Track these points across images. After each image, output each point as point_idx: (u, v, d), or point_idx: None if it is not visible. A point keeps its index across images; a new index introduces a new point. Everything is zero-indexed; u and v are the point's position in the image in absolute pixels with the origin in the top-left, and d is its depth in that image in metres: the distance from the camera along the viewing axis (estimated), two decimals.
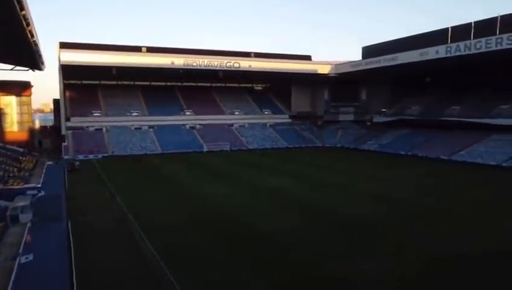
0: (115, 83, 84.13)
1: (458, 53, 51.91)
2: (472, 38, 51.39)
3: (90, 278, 16.61)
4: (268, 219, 25.80)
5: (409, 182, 40.24)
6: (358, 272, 16.93)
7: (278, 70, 71.54)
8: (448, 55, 53.12)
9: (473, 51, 50.05)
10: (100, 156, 62.39)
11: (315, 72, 75.32)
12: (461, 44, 51.65)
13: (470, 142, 57.56)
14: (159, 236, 22.13)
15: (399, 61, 61.06)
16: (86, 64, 59.50)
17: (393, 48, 64.16)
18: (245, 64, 69.85)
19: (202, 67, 66.80)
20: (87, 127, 70.99)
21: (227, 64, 68.36)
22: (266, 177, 42.19)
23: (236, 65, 68.91)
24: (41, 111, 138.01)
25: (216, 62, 67.59)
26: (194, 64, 66.13)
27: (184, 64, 65.58)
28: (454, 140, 60.35)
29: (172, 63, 64.98)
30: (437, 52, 54.72)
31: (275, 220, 25.68)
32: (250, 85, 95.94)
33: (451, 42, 54.30)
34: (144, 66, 62.66)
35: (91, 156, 61.77)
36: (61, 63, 59.05)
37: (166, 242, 21.22)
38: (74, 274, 16.31)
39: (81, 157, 60.72)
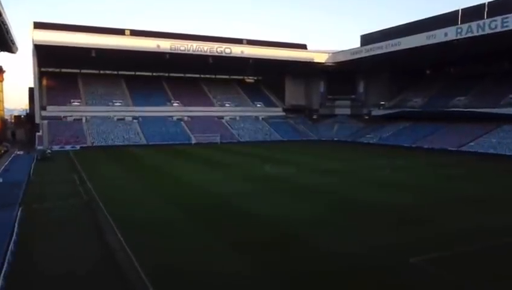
0: (97, 72, 78.65)
1: (470, 34, 47.70)
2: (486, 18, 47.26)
3: (29, 277, 11.71)
4: (270, 206, 21.06)
5: (424, 170, 35.80)
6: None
7: (272, 57, 66.66)
8: (459, 37, 48.93)
9: (487, 31, 45.88)
10: (78, 147, 56.96)
11: (311, 61, 70.67)
12: (473, 24, 47.47)
13: (479, 133, 53.57)
14: (127, 224, 17.30)
15: (403, 46, 56.76)
16: (62, 44, 53.90)
17: (397, 34, 59.84)
18: (237, 50, 64.91)
19: (191, 52, 61.56)
20: (65, 117, 65.27)
21: (218, 50, 63.32)
22: (261, 165, 37.33)
23: (227, 51, 63.92)
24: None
25: (206, 47, 62.49)
26: (182, 48, 60.91)
27: (171, 48, 60.32)
28: (461, 131, 56.28)
29: (158, 46, 59.70)
30: (446, 34, 50.53)
31: (281, 208, 20.95)
32: (241, 77, 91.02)
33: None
34: (126, 48, 57.16)
35: (68, 147, 56.37)
36: (35, 42, 53.39)
37: (135, 230, 16.36)
38: (4, 269, 11.51)
39: (56, 148, 55.42)
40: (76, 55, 61.61)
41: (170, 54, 60.73)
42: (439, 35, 51.18)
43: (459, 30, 48.94)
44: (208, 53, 62.78)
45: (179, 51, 60.97)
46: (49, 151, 44.75)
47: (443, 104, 63.08)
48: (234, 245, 14.78)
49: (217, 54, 63.31)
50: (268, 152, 50.24)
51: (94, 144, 58.90)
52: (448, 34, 50.17)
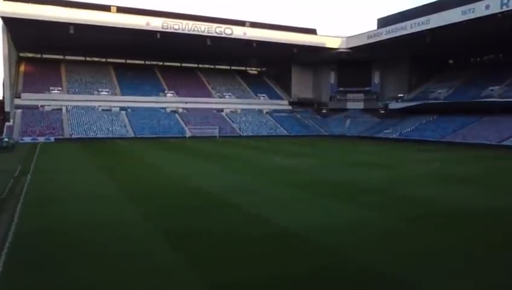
0: (83, 58, 70.71)
1: None
2: None
3: None
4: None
5: (478, 164, 27.63)
6: None
7: (278, 40, 58.42)
8: (505, 9, 40.80)
9: None
10: (52, 138, 49.10)
11: (322, 46, 62.40)
12: None
13: None
14: (34, 237, 9.26)
15: (432, 25, 48.62)
16: (35, 18, 45.85)
17: (420, 15, 51.63)
18: (239, 31, 56.73)
19: (186, 32, 53.38)
20: (42, 106, 57.26)
21: (217, 30, 55.13)
22: (268, 158, 29.19)
23: (228, 31, 55.73)
24: None
25: (203, 27, 54.31)
26: (176, 26, 52.74)
27: (163, 27, 52.17)
28: (499, 124, 48.21)
29: (148, 24, 51.50)
30: (487, 7, 42.42)
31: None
32: (243, 68, 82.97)
33: None
34: (110, 25, 48.97)
35: (41, 139, 48.50)
36: (2, 15, 45.35)
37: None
38: None
39: (28, 139, 47.78)
40: (56, 36, 53.48)
41: (162, 33, 52.57)
42: (479, 9, 43.06)
43: (504, 0, 40.80)
44: (206, 33, 54.59)
45: (172, 30, 52.81)
46: (6, 140, 36.79)
47: (473, 95, 55.02)
48: None
49: (216, 34, 55.14)
50: (285, 146, 42.15)
51: (72, 136, 50.98)
52: (491, 6, 42.06)
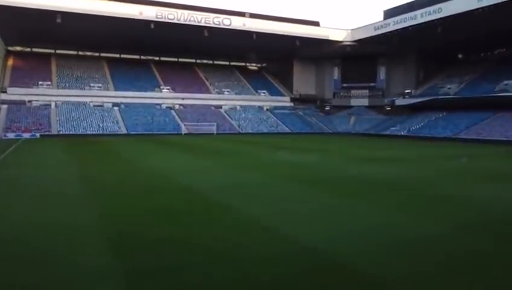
0: (75, 53, 67.46)
1: None
2: None
3: None
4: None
5: (500, 159, 24.43)
6: None
7: (280, 32, 55.11)
8: None
9: None
10: (38, 135, 45.89)
11: (326, 39, 59.05)
12: None
13: None
14: None
15: (444, 13, 45.38)
16: (19, 5, 42.64)
17: (431, 2, 48.40)
18: (238, 22, 53.44)
19: (181, 22, 50.11)
20: (30, 101, 54.07)
21: (215, 20, 51.83)
22: (270, 153, 25.96)
23: (226, 22, 52.45)
24: None
25: (200, 16, 51.02)
26: (171, 16, 49.48)
27: (157, 17, 48.91)
28: None
29: (141, 13, 48.21)
30: None
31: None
32: (243, 64, 79.70)
33: None
34: (100, 13, 45.65)
35: (26, 135, 45.34)
36: None
37: None
38: None
39: (11, 135, 44.58)
40: (44, 28, 50.13)
41: (156, 23, 49.33)
42: None
43: None
44: (203, 24, 51.32)
45: (167, 20, 49.53)
46: None
47: (487, 90, 51.78)
48: None
49: (213, 25, 51.87)
50: (291, 142, 38.95)
51: (60, 133, 47.82)
52: None
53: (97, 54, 68.57)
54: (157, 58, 72.52)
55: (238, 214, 9.42)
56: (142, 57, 71.90)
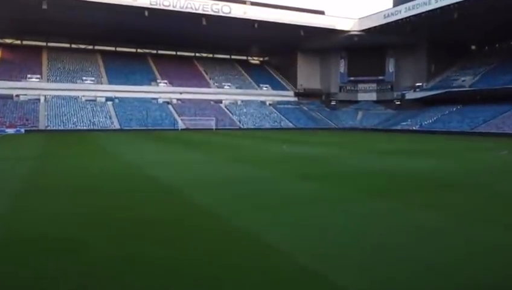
0: (67, 45, 64.21)
1: None
2: None
3: None
4: None
5: None
6: None
7: (283, 21, 51.62)
8: None
9: None
10: (23, 130, 42.66)
11: (332, 28, 55.55)
12: None
13: None
14: None
15: None
16: None
17: None
18: (238, 10, 50.08)
19: (177, 9, 46.75)
20: (18, 95, 50.89)
21: (214, 8, 48.47)
22: (274, 146, 22.59)
23: (226, 10, 49.07)
24: None
25: (197, 4, 47.64)
26: (166, 3, 46.10)
27: (151, 3, 45.56)
28: None
29: None
30: None
31: None
32: (244, 57, 76.28)
33: None
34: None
35: (10, 131, 42.10)
36: None
37: None
38: None
39: None
40: (31, 16, 46.93)
41: (150, 10, 46.00)
42: None
43: None
44: (201, 11, 47.95)
45: (162, 7, 46.20)
46: None
47: (504, 82, 48.25)
48: None
49: (212, 13, 48.49)
50: (297, 136, 35.55)
51: (48, 128, 44.63)
52: None
53: (91, 47, 65.34)
54: (154, 52, 69.23)
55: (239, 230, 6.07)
56: (139, 50, 68.61)
